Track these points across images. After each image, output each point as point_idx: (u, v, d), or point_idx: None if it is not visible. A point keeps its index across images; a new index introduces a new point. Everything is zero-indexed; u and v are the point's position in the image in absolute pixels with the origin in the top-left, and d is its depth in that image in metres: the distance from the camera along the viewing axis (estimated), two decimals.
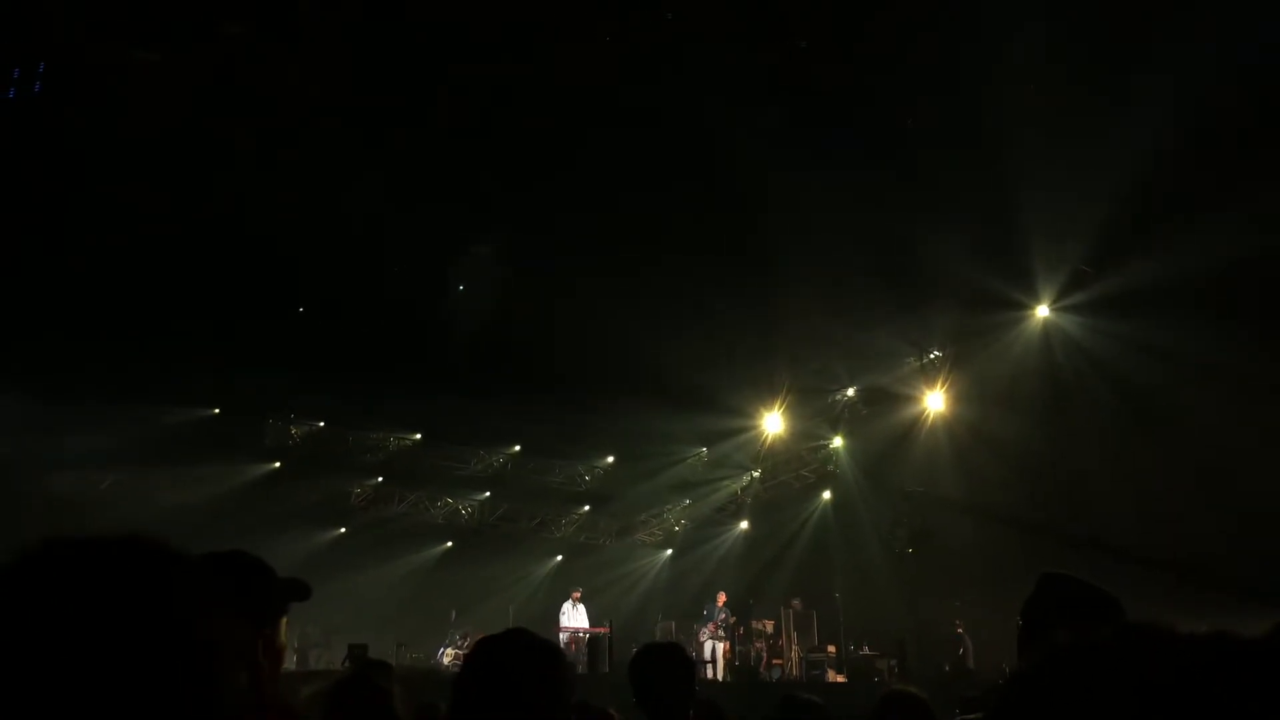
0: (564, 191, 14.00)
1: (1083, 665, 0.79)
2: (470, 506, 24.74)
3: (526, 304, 15.67)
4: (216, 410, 19.74)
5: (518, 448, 22.91)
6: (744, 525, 24.25)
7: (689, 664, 3.78)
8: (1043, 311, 15.36)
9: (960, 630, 16.30)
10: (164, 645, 0.88)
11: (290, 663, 17.46)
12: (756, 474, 22.87)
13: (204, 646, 0.91)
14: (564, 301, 15.57)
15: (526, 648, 2.31)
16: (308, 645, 19.56)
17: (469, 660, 2.35)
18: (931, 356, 17.86)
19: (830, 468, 21.27)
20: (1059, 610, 2.62)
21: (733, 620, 18.20)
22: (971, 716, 4.58)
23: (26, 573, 0.89)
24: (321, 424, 21.66)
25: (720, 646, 17.63)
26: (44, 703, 0.81)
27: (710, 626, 17.93)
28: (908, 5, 11.50)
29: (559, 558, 26.84)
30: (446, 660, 18.52)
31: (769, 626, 18.85)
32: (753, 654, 18.12)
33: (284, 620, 2.33)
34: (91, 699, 0.82)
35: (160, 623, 0.89)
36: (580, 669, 14.81)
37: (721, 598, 18.48)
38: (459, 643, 18.74)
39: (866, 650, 17.22)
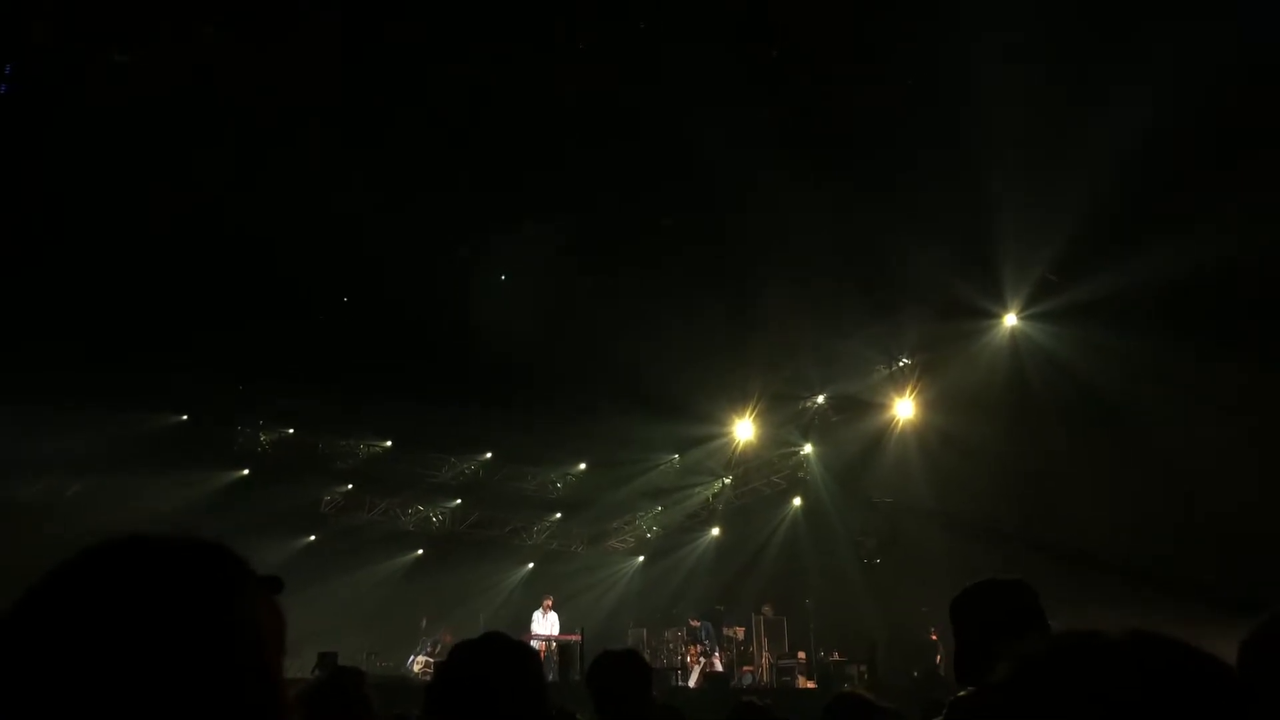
0: (538, 197, 13.99)
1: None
2: (441, 514, 24.66)
3: (499, 311, 15.63)
4: (185, 416, 19.57)
5: (489, 455, 22.84)
6: (715, 532, 24.31)
7: (645, 670, 3.81)
8: (1010, 320, 15.51)
9: (934, 638, 16.41)
10: (230, 634, 0.96)
11: None
12: (728, 481, 22.95)
13: (260, 638, 1.00)
14: (537, 308, 15.55)
15: (501, 651, 2.32)
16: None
17: (445, 665, 2.35)
18: (901, 364, 17.97)
19: (801, 474, 21.36)
20: (981, 620, 2.71)
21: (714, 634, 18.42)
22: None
23: (105, 566, 0.97)
24: (291, 430, 21.52)
25: (716, 661, 17.79)
26: (119, 686, 0.87)
27: (695, 649, 18.08)
28: (881, 14, 11.58)
29: (531, 565, 26.80)
30: (416, 669, 18.44)
31: (740, 633, 18.91)
32: (723, 661, 18.18)
33: None
34: (160, 687, 0.88)
35: (226, 614, 0.98)
36: (551, 677, 14.78)
37: (694, 621, 18.66)
38: (429, 650, 18.68)
39: (837, 656, 17.29)
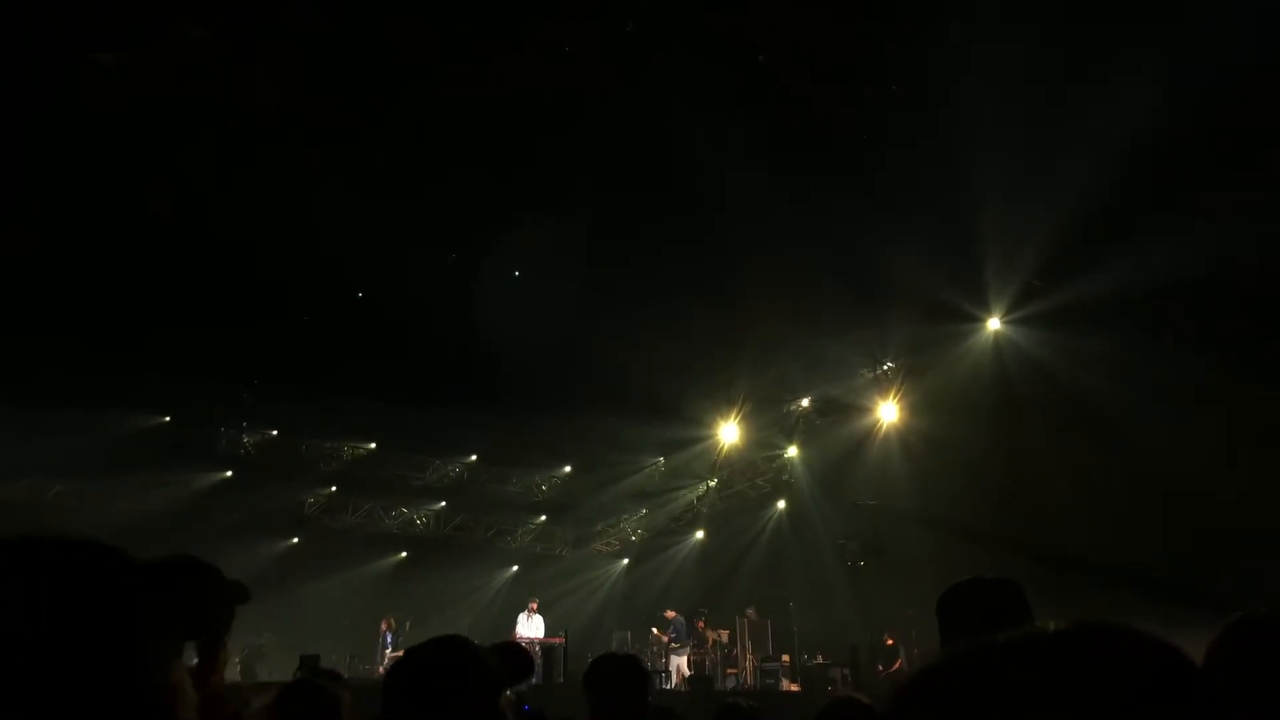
0: (523, 198, 13.98)
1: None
2: (426, 516, 24.61)
3: (484, 312, 15.62)
4: (168, 418, 19.46)
5: (474, 457, 22.81)
6: (700, 535, 24.32)
7: (644, 675, 3.82)
8: (994, 324, 15.59)
9: (891, 643, 16.45)
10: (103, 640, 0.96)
11: (236, 673, 17.25)
12: (713, 483, 22.96)
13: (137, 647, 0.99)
14: (522, 310, 15.53)
15: (443, 653, 2.33)
16: (258, 657, 19.33)
17: (394, 668, 2.37)
18: (885, 367, 18.03)
19: (785, 477, 21.39)
20: (963, 623, 2.71)
21: (699, 626, 18.54)
22: None
23: None
24: (275, 432, 21.41)
25: (682, 659, 17.93)
26: None
27: (665, 637, 18.27)
28: (868, 19, 11.62)
29: (515, 568, 26.78)
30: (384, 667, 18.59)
31: (724, 636, 18.92)
32: (707, 663, 18.19)
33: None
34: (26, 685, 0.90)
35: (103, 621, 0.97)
36: (536, 680, 14.77)
37: (671, 613, 18.89)
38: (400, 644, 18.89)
39: (820, 659, 17.31)
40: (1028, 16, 10.75)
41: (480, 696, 2.25)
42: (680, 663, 18.02)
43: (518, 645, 3.56)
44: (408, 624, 20.14)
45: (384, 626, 19.92)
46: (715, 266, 15.21)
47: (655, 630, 19.14)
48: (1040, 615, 2.84)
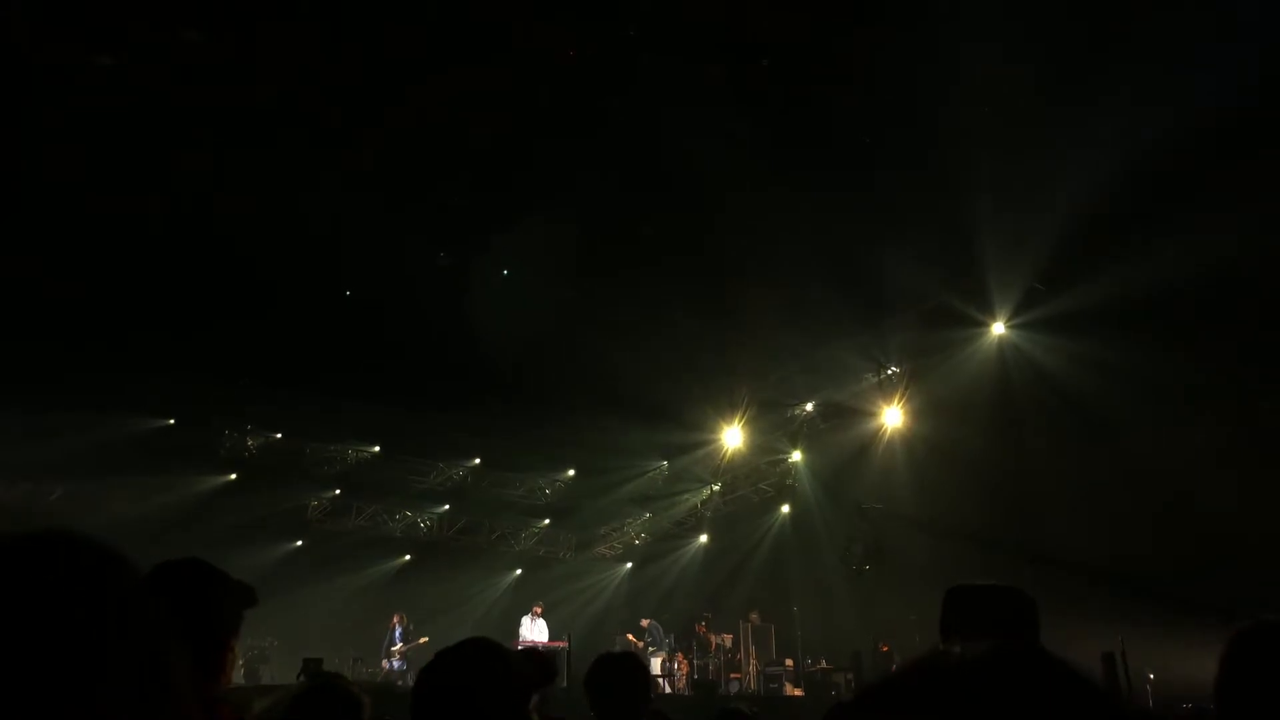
0: (523, 201, 13.99)
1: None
2: (429, 519, 24.59)
3: (488, 315, 15.62)
4: (171, 420, 19.47)
5: (477, 460, 22.79)
6: (703, 539, 24.30)
7: (644, 673, 3.84)
8: (998, 329, 15.57)
9: (886, 649, 16.43)
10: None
11: (240, 676, 17.26)
12: (716, 488, 22.92)
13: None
14: (526, 313, 15.54)
15: (481, 655, 2.33)
16: (261, 660, 19.33)
17: (427, 671, 2.36)
18: (889, 372, 18.00)
19: (789, 482, 21.35)
20: (965, 625, 2.70)
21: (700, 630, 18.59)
22: None
23: None
24: (278, 435, 21.42)
25: (656, 661, 18.02)
26: None
27: (639, 644, 18.56)
28: (869, 23, 11.62)
29: (518, 571, 26.76)
30: (390, 663, 18.69)
31: (727, 640, 18.91)
32: (710, 668, 18.18)
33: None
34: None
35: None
36: None
37: (646, 621, 19.31)
38: (402, 639, 18.95)
39: (824, 664, 17.29)
40: (1031, 20, 10.75)
41: (513, 700, 2.25)
42: (654, 664, 18.11)
43: (539, 652, 3.60)
44: (410, 626, 20.15)
45: (395, 620, 19.89)
46: (719, 271, 15.22)
47: (629, 636, 19.20)
48: (1043, 620, 2.84)
